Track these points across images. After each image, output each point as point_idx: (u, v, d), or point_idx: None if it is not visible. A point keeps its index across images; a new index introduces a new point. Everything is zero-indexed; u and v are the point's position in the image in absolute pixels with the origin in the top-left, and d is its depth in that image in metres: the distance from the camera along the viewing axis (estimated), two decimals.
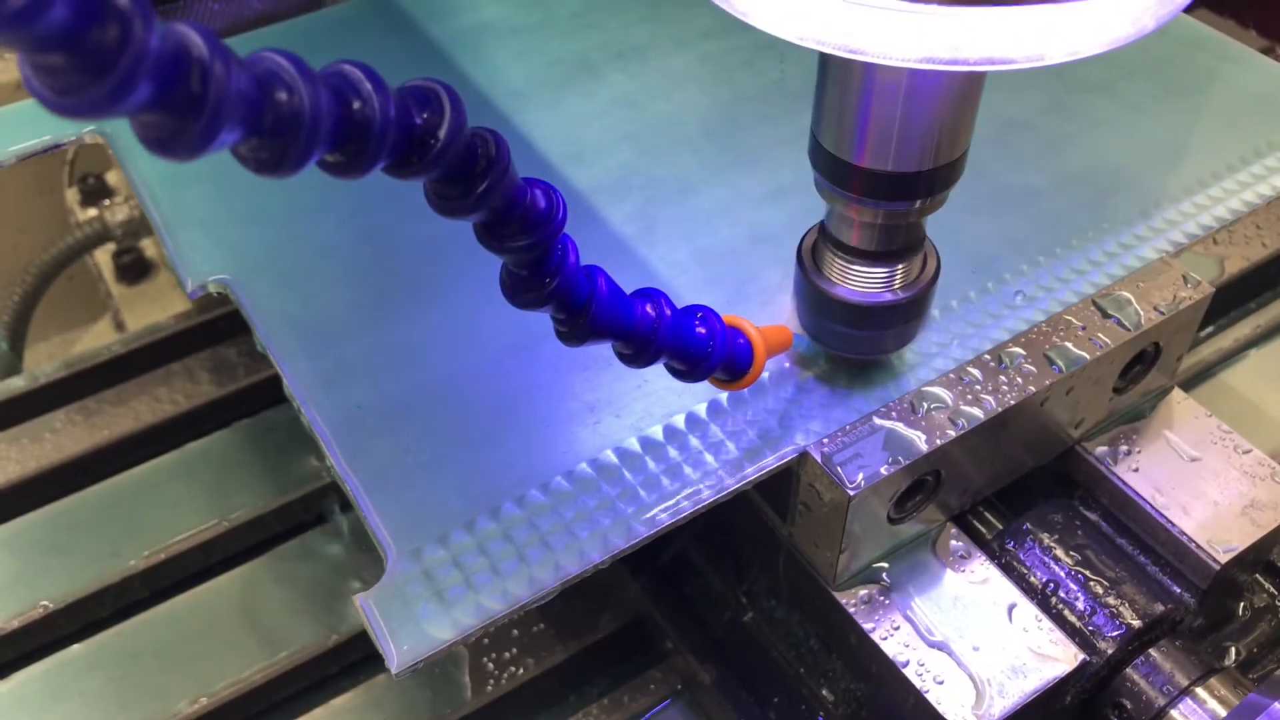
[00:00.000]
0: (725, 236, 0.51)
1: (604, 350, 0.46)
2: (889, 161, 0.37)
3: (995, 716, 0.41)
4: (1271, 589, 0.53)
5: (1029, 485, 0.51)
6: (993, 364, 0.45)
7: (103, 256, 1.15)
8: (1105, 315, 0.47)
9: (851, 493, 0.41)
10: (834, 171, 0.38)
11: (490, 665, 0.54)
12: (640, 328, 0.34)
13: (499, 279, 0.32)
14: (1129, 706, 0.45)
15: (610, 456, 0.42)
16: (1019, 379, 0.44)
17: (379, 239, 0.51)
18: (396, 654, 0.37)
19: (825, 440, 0.42)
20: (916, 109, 0.36)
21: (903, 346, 0.45)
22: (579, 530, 0.40)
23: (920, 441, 0.42)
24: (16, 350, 1.13)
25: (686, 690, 0.53)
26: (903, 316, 0.43)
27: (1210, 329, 0.70)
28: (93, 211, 1.08)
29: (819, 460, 0.42)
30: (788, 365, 0.46)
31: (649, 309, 0.35)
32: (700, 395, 0.44)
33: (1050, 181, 0.53)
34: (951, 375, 0.45)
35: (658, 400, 0.44)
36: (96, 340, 1.12)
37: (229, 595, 0.57)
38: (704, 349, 0.37)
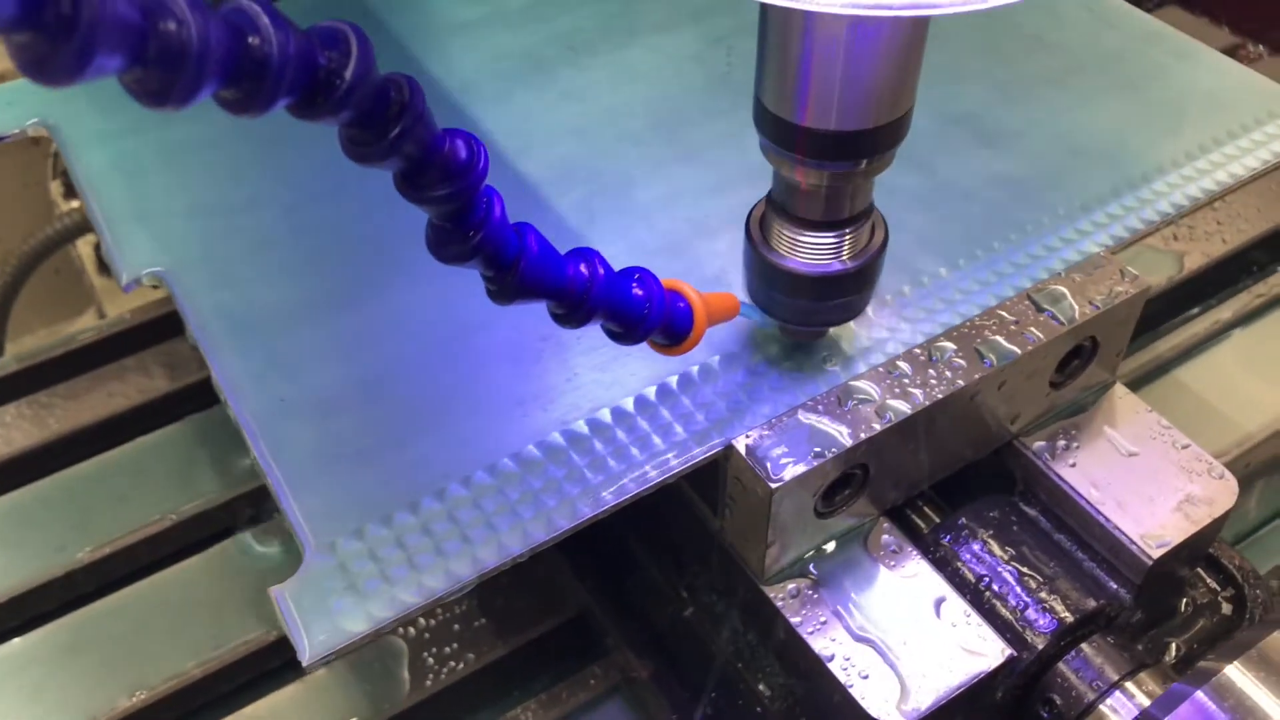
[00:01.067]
0: (664, 229, 0.51)
1: (534, 343, 0.46)
2: (832, 120, 0.37)
3: (919, 711, 0.41)
4: (1214, 584, 0.53)
5: (972, 480, 0.51)
6: (922, 358, 0.45)
7: (85, 249, 1.16)
8: (1039, 309, 0.46)
9: (774, 486, 0.40)
10: (778, 133, 0.38)
11: (430, 660, 0.54)
12: (572, 286, 0.34)
13: (424, 235, 0.31)
14: (1059, 702, 0.45)
15: (534, 451, 0.42)
16: (948, 373, 0.44)
17: (318, 233, 0.51)
18: (309, 646, 0.37)
19: (750, 433, 0.42)
20: (856, 64, 0.35)
21: (854, 317, 0.45)
22: (499, 523, 0.40)
23: (845, 435, 0.42)
24: None
25: (626, 686, 0.53)
26: (853, 286, 0.43)
27: (1170, 325, 0.70)
28: (75, 203, 1.08)
29: (743, 453, 0.42)
30: (738, 349, 0.46)
31: (582, 268, 0.34)
32: (630, 387, 0.44)
33: (993, 175, 0.53)
34: (880, 369, 0.44)
35: (585, 394, 0.44)
36: None
37: (173, 590, 0.57)
38: (640, 310, 0.36)
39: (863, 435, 0.42)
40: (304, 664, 0.36)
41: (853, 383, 0.44)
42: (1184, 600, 0.53)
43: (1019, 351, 0.45)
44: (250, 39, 0.23)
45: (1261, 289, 0.71)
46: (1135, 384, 0.66)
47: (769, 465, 0.41)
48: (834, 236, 0.41)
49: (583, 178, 0.53)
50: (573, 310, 0.34)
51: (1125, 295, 0.47)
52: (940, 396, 0.43)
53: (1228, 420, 0.64)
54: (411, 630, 0.54)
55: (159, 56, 0.21)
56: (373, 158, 0.27)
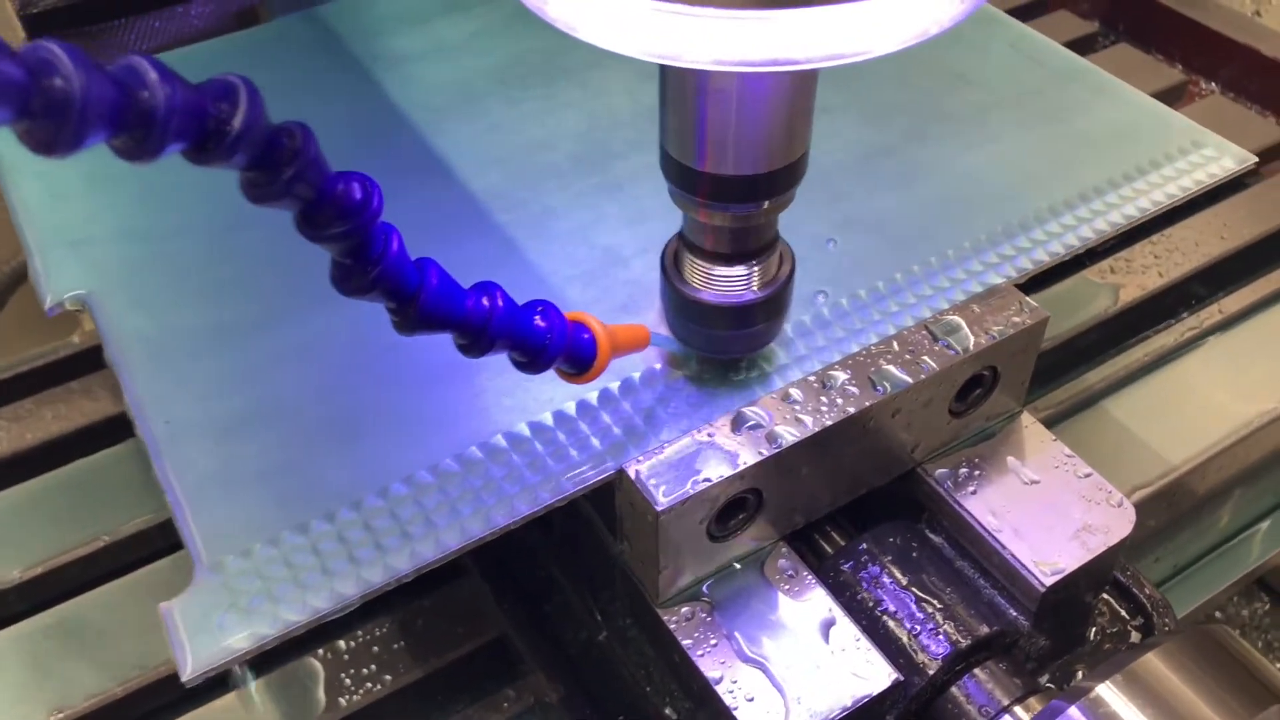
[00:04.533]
0: (579, 258, 0.52)
1: (440, 368, 0.47)
2: (730, 165, 0.39)
3: None
4: (1124, 613, 0.54)
5: (882, 507, 0.52)
6: (816, 385, 0.46)
7: None
8: (935, 339, 0.47)
9: (660, 509, 0.41)
10: (682, 178, 0.40)
11: (348, 681, 0.54)
12: (472, 317, 0.35)
13: (329, 273, 0.33)
14: None
15: (426, 476, 0.43)
16: (839, 400, 0.45)
17: (239, 260, 0.53)
18: (190, 662, 0.38)
19: (642, 458, 0.43)
20: (748, 113, 0.37)
21: (769, 343, 0.47)
22: (388, 544, 0.41)
23: (733, 460, 0.43)
24: None
25: (539, 709, 0.54)
26: (764, 314, 0.44)
27: (1106, 357, 0.71)
28: None
29: (633, 478, 0.42)
30: (659, 366, 0.47)
31: (484, 300, 0.36)
32: (531, 411, 0.45)
33: (902, 208, 0.54)
34: (775, 395, 0.45)
35: (487, 418, 0.45)
36: None
37: (100, 611, 0.57)
38: (541, 340, 0.38)
39: (751, 461, 0.43)
40: (183, 679, 0.37)
41: (746, 409, 0.45)
42: (1093, 629, 0.53)
43: (910, 380, 0.45)
44: (140, 93, 0.24)
45: (1193, 322, 0.72)
46: (1063, 415, 0.66)
47: (658, 489, 0.42)
48: (743, 268, 0.43)
49: (504, 207, 0.55)
50: (475, 340, 0.36)
51: (1023, 325, 0.48)
52: (830, 423, 0.44)
53: (1151, 452, 0.64)
54: (329, 653, 0.55)
55: (45, 109, 0.23)
56: (268, 199, 0.29)
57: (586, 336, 0.39)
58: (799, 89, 0.38)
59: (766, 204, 0.40)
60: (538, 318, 0.38)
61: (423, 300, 0.34)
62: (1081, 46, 0.92)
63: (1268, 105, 0.92)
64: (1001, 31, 0.65)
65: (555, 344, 0.38)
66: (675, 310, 0.45)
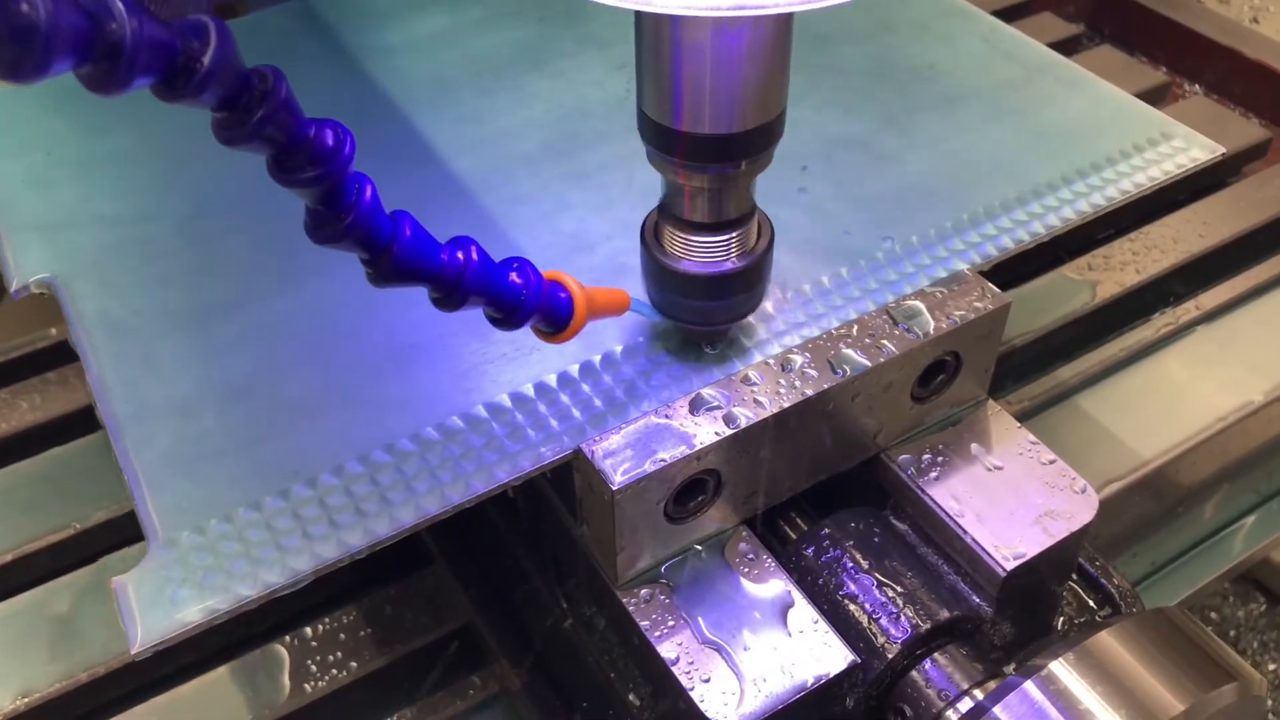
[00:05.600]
0: (544, 243, 0.52)
1: (404, 349, 0.47)
2: (706, 124, 0.39)
3: (754, 713, 0.41)
4: (1092, 602, 0.53)
5: (850, 493, 0.52)
6: (775, 367, 0.46)
7: None
8: (895, 323, 0.47)
9: (615, 489, 0.41)
10: (659, 138, 0.40)
11: (313, 667, 0.54)
12: (447, 270, 0.35)
13: (303, 221, 0.33)
14: (909, 712, 0.45)
15: (382, 455, 0.43)
16: (798, 383, 0.45)
17: (207, 244, 0.53)
18: (140, 634, 0.37)
19: (599, 438, 0.43)
20: (724, 69, 0.37)
21: (749, 313, 0.47)
22: (341, 520, 0.41)
23: (688, 441, 0.43)
24: None
25: (504, 696, 0.53)
26: (743, 284, 0.44)
27: (1082, 353, 0.71)
28: None
29: (589, 457, 0.42)
30: (641, 340, 0.47)
31: (458, 254, 0.36)
32: (488, 394, 0.45)
33: (868, 195, 0.54)
34: (734, 377, 0.45)
35: (444, 400, 0.45)
36: None
37: (68, 596, 0.58)
38: (516, 296, 0.38)
39: (708, 441, 0.43)
40: (133, 651, 0.37)
41: (704, 390, 0.45)
42: (1061, 618, 0.53)
43: (869, 364, 0.45)
44: (109, 24, 0.25)
45: (1170, 319, 0.72)
46: (1036, 409, 0.66)
47: (616, 470, 0.42)
48: (722, 237, 0.43)
49: (471, 194, 0.55)
50: (449, 294, 0.36)
51: (984, 311, 0.48)
52: (788, 405, 0.44)
53: (1124, 446, 0.64)
54: (295, 640, 0.55)
55: (9, 34, 0.23)
56: (238, 140, 0.29)
57: (563, 295, 0.40)
58: (773, 44, 0.38)
59: (744, 164, 0.40)
60: (513, 274, 0.38)
61: (396, 251, 0.34)
62: (1066, 48, 0.92)
63: (1250, 107, 0.92)
64: (973, 25, 0.66)
65: (530, 301, 0.38)
66: (654, 280, 0.45)
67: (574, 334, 0.40)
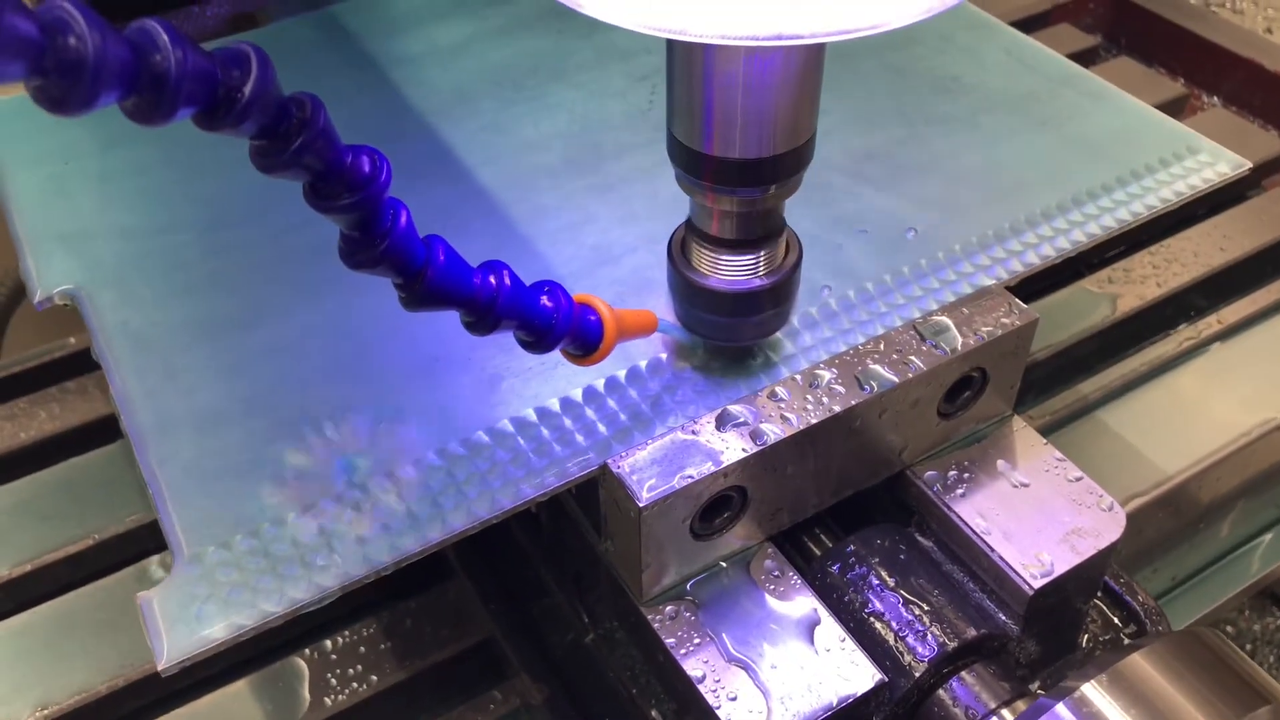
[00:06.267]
0: (568, 256, 0.52)
1: (425, 363, 0.47)
2: (736, 149, 0.39)
3: None
4: (1117, 620, 0.53)
5: (874, 511, 0.52)
6: (802, 383, 0.45)
7: None
8: (922, 339, 0.47)
9: (642, 505, 0.41)
10: (689, 162, 0.40)
11: (333, 680, 0.54)
12: (479, 295, 0.36)
13: (337, 247, 0.33)
14: None
15: (409, 470, 0.43)
16: (825, 399, 0.45)
17: (227, 257, 0.53)
18: (166, 651, 0.37)
19: (625, 453, 0.43)
20: (755, 96, 0.37)
21: (775, 331, 0.47)
22: (368, 536, 0.41)
23: (716, 457, 0.42)
24: None
25: (524, 711, 0.53)
26: (770, 301, 0.44)
27: (1103, 367, 0.70)
28: None
29: (616, 473, 0.42)
30: (664, 356, 0.47)
31: (490, 279, 0.36)
32: (513, 408, 0.45)
33: (893, 210, 0.54)
34: (761, 392, 0.45)
35: (468, 415, 0.45)
36: None
37: (87, 609, 0.57)
38: (548, 319, 0.38)
39: (734, 458, 0.43)
40: (160, 667, 0.37)
41: (731, 406, 0.44)
42: (1085, 636, 0.53)
43: (896, 380, 0.45)
44: (153, 56, 0.25)
45: (1191, 333, 0.71)
46: (1058, 424, 0.66)
47: (642, 485, 0.42)
48: (750, 255, 0.43)
49: (494, 206, 0.55)
50: (481, 318, 0.36)
51: (1011, 327, 0.48)
52: (815, 421, 0.44)
53: (1147, 461, 0.64)
54: (315, 653, 0.55)
55: (57, 68, 0.23)
56: (276, 168, 0.29)
57: (593, 318, 0.40)
58: (805, 71, 0.38)
59: (772, 189, 0.41)
60: (544, 298, 0.38)
61: (429, 276, 0.34)
62: (1083, 60, 0.92)
63: (1269, 119, 0.92)
64: (996, 38, 0.65)
65: (561, 324, 0.38)
66: (682, 297, 0.45)
67: (603, 357, 0.40)
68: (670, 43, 0.38)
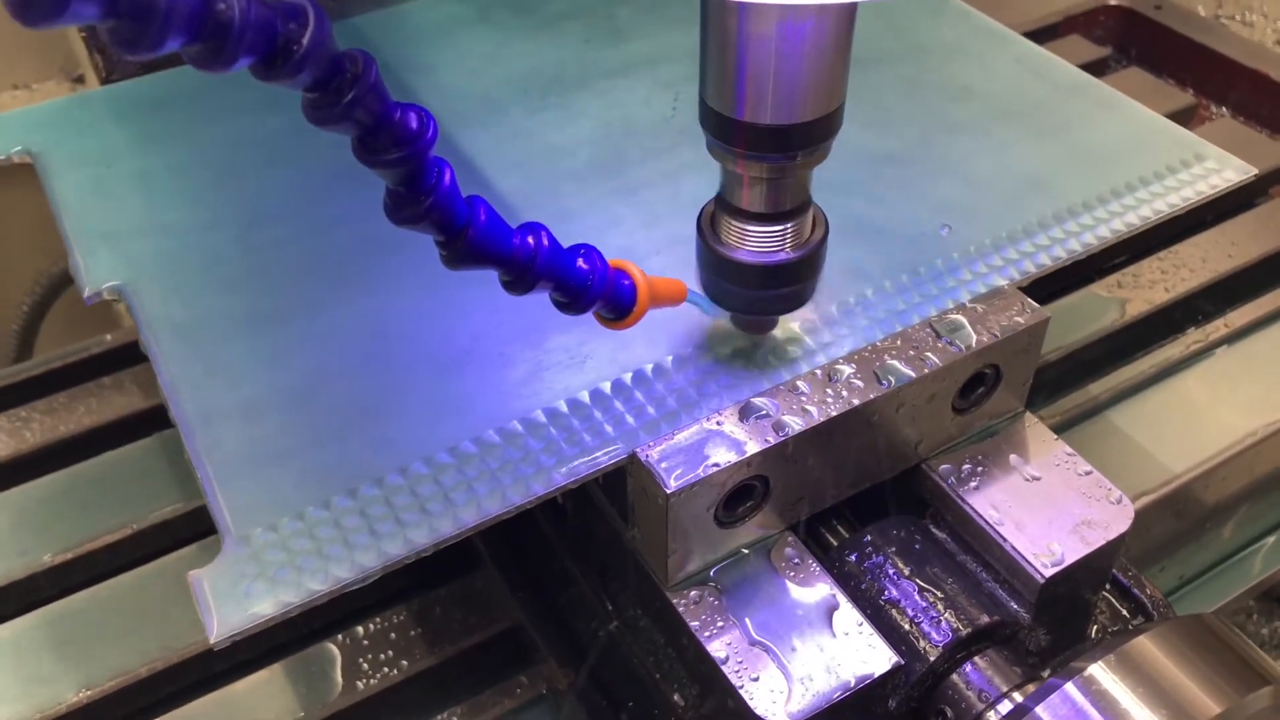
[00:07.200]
0: None
1: (457, 354, 0.49)
2: (767, 114, 0.40)
3: (804, 712, 0.43)
4: (1125, 611, 0.55)
5: (890, 502, 0.53)
6: (822, 378, 0.47)
7: None
8: (938, 336, 0.49)
9: (670, 492, 0.43)
10: (720, 128, 0.42)
11: (365, 665, 0.56)
12: (518, 254, 0.37)
13: (382, 203, 0.34)
14: (950, 713, 0.46)
15: (446, 456, 0.45)
16: (844, 392, 0.46)
17: (265, 253, 0.55)
18: (217, 625, 0.39)
19: (652, 443, 0.45)
20: (786, 61, 0.39)
21: (800, 306, 0.48)
22: (407, 519, 0.42)
23: (740, 448, 0.44)
24: (24, 359, 1.17)
25: (551, 695, 0.55)
26: (796, 275, 0.46)
27: (1112, 369, 0.72)
28: None
29: (644, 461, 0.44)
30: (692, 350, 0.49)
31: (529, 239, 0.37)
32: (545, 399, 0.47)
33: (907, 212, 0.56)
34: (783, 386, 0.47)
35: (501, 404, 0.47)
36: None
37: (127, 595, 0.59)
38: (583, 281, 0.39)
39: (757, 448, 0.44)
40: (211, 641, 0.39)
41: (754, 399, 0.46)
42: (1094, 626, 0.54)
43: (914, 375, 0.47)
44: (216, 3, 0.26)
45: (1198, 336, 0.73)
46: (1068, 424, 0.68)
47: (670, 473, 0.43)
48: (778, 227, 0.44)
49: (521, 210, 0.57)
50: (519, 277, 0.38)
51: (1023, 325, 0.49)
52: (834, 414, 0.46)
53: (1155, 460, 0.65)
54: (348, 639, 0.57)
55: (130, 9, 0.25)
56: (329, 120, 0.30)
57: (627, 283, 0.41)
58: (836, 37, 0.39)
59: (800, 156, 0.42)
60: (581, 260, 0.39)
61: (471, 234, 0.35)
62: (1093, 71, 0.93)
63: (1276, 129, 0.94)
64: (1007, 47, 0.67)
65: (596, 287, 0.39)
66: (710, 270, 0.46)
67: (635, 321, 0.41)
68: (704, 8, 0.39)
